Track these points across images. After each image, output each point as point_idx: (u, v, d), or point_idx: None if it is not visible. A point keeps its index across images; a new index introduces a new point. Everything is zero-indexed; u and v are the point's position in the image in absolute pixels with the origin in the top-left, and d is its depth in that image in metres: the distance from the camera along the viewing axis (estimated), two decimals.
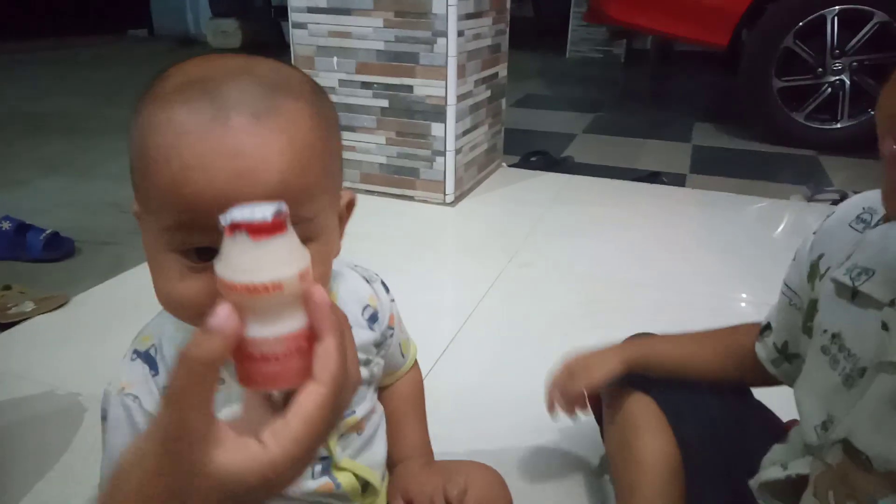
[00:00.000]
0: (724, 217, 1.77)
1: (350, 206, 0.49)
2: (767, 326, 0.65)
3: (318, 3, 1.67)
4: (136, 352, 0.50)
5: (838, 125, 2.40)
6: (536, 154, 2.24)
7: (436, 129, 1.69)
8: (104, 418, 0.48)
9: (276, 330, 0.32)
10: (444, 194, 1.75)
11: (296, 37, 1.74)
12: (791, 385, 0.58)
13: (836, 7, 2.28)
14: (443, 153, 1.70)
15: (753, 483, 0.58)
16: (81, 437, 0.87)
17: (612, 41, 4.63)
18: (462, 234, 1.66)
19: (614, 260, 1.49)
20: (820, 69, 2.37)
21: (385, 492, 0.61)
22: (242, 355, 0.32)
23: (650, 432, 0.68)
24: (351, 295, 0.56)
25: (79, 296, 1.28)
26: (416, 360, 0.67)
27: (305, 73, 0.46)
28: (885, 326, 0.47)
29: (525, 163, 2.19)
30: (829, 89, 2.39)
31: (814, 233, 0.58)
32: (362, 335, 0.56)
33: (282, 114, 0.40)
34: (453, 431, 0.71)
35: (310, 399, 0.33)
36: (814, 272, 0.56)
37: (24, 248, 1.47)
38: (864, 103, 2.33)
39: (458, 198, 1.79)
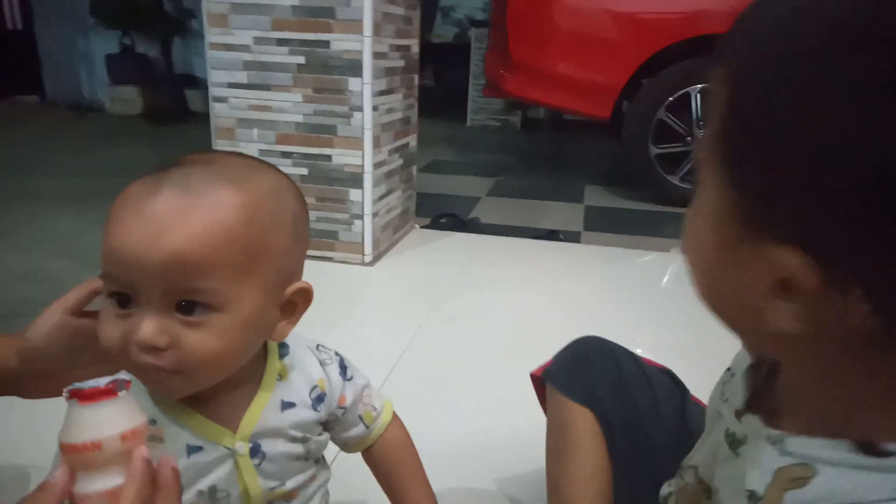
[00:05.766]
0: (616, 269, 1.98)
1: (305, 294, 0.56)
2: None
3: (239, 80, 1.77)
4: None
5: None
6: (446, 216, 2.40)
7: (354, 194, 1.80)
8: None
9: (97, 486, 0.36)
10: (364, 255, 1.85)
11: (216, 109, 1.82)
12: None
13: (699, 85, 2.63)
14: (361, 216, 1.81)
15: (661, 496, 0.64)
16: None
17: (509, 111, 4.99)
18: (383, 292, 1.76)
19: (524, 310, 1.63)
20: (689, 137, 2.71)
21: None
22: None
23: (586, 448, 0.72)
24: (302, 376, 0.61)
25: None
26: (395, 422, 0.71)
27: (284, 175, 0.56)
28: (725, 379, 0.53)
29: (436, 224, 2.34)
30: None
31: None
32: (304, 414, 0.60)
33: (210, 198, 0.48)
34: None
35: None
36: None
37: None
38: None
39: (377, 258, 1.90)
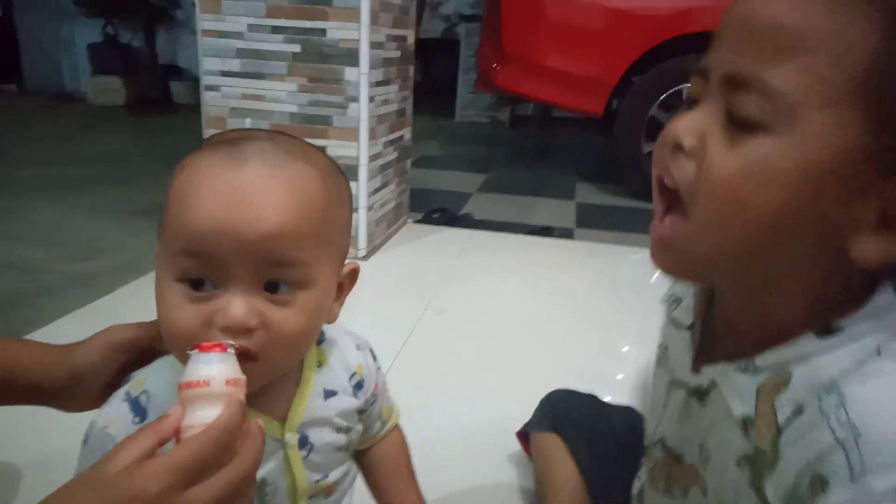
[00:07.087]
0: (608, 265, 1.97)
1: (353, 275, 0.55)
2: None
3: (232, 68, 1.74)
4: (127, 394, 0.52)
5: None
6: (438, 211, 2.38)
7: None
8: (85, 442, 0.51)
9: (201, 417, 0.41)
10: (358, 249, 1.82)
11: (208, 98, 1.78)
12: None
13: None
14: (356, 210, 1.79)
15: (633, 493, 0.70)
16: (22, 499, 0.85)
17: (498, 107, 4.97)
18: (378, 286, 1.73)
19: (518, 305, 1.62)
20: None
21: None
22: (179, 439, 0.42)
23: (558, 461, 0.85)
24: (341, 362, 0.59)
25: None
26: (397, 424, 0.70)
27: (329, 156, 0.54)
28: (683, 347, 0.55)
29: (429, 219, 2.32)
30: None
31: None
32: (347, 402, 0.58)
33: (292, 168, 0.47)
34: None
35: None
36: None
37: None
38: None
39: (371, 252, 1.88)
